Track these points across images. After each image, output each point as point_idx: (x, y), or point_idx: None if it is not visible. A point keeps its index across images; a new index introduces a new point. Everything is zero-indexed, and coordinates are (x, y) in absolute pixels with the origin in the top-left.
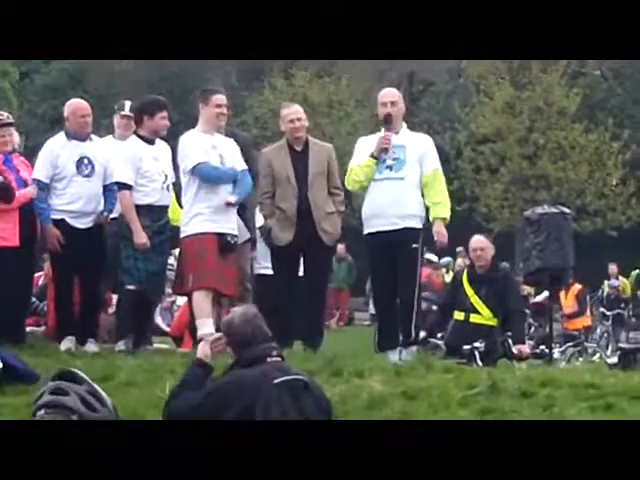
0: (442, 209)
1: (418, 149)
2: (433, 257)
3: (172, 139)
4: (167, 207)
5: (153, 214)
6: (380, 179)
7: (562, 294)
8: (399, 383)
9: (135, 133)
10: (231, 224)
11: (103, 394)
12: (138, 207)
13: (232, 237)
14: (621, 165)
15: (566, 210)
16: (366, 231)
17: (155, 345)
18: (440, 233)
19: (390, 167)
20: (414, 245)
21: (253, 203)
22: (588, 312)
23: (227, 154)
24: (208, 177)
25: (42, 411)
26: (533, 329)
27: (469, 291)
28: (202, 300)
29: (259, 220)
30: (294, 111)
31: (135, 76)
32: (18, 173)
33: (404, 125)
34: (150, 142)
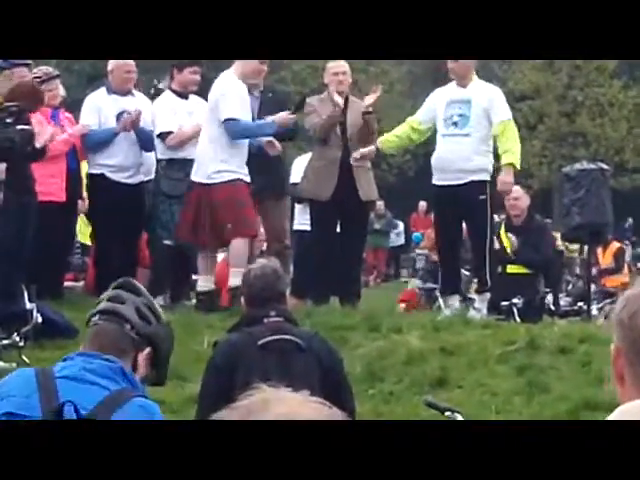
0: (509, 156)
1: (483, 103)
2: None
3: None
4: None
5: (188, 167)
6: (447, 134)
7: (600, 251)
8: (437, 339)
9: (169, 88)
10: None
11: (159, 309)
12: (173, 160)
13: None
14: None
15: (605, 167)
16: (434, 182)
17: (193, 300)
18: (502, 181)
19: (455, 123)
20: (481, 197)
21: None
22: (626, 270)
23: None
24: (235, 136)
25: (97, 317)
26: (571, 286)
27: (505, 242)
28: (242, 248)
29: (295, 176)
30: (340, 65)
31: None
32: (63, 129)
33: (474, 77)
34: (183, 97)
